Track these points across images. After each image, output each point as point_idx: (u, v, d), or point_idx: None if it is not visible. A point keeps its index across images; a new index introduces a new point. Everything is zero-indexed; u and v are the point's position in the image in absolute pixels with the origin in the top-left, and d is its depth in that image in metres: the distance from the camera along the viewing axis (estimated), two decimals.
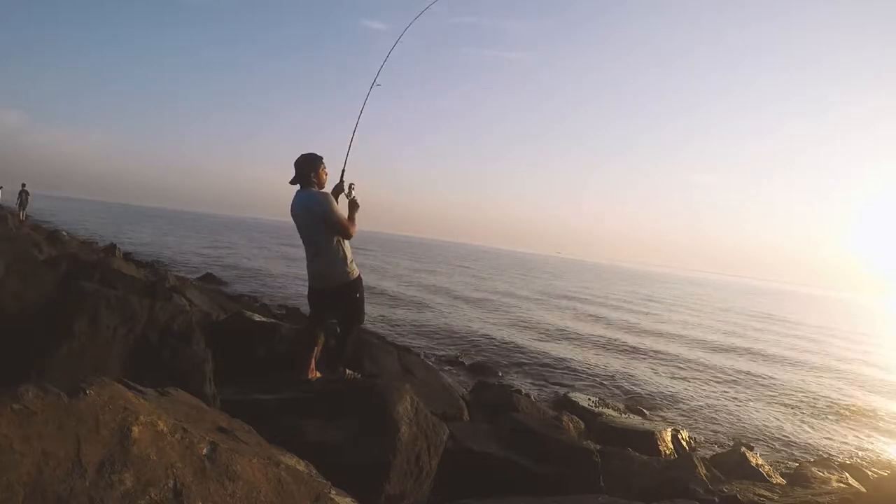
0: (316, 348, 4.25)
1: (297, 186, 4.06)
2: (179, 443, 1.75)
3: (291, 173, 4.05)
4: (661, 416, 8.71)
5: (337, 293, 4.10)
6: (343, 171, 4.28)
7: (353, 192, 4.19)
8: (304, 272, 4.27)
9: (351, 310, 4.16)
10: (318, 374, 4.19)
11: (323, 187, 4.08)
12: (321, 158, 4.07)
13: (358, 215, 4.14)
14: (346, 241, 4.06)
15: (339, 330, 4.35)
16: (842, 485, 5.20)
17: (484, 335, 14.12)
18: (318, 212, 3.93)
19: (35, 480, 1.43)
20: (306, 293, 4.30)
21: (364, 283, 4.23)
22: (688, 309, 33.25)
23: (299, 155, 4.05)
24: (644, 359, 13.68)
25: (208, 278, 17.60)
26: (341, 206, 4.10)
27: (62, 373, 3.03)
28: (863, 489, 4.24)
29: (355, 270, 4.09)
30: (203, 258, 26.76)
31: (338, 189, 4.19)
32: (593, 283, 52.64)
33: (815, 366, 16.28)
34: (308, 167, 4.01)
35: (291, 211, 4.09)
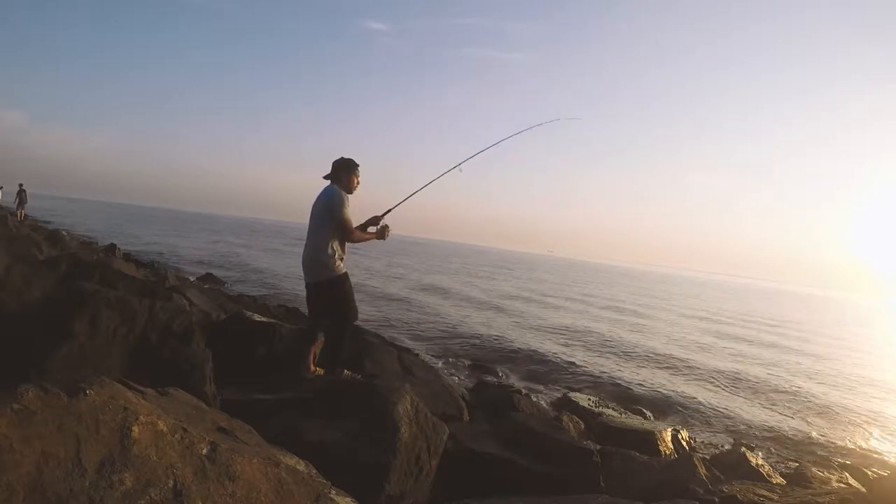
0: (316, 343, 4.28)
1: (328, 182, 4.31)
2: (179, 443, 1.75)
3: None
4: (661, 416, 8.71)
5: (321, 288, 4.20)
6: (389, 211, 4.59)
7: (383, 228, 4.48)
8: (303, 273, 4.35)
9: (339, 307, 4.24)
10: (320, 371, 4.21)
11: (349, 192, 4.28)
12: (358, 166, 4.34)
13: (367, 236, 4.39)
14: (340, 240, 4.19)
15: (333, 328, 4.38)
16: (842, 485, 5.20)
17: (483, 335, 14.11)
18: (328, 203, 4.15)
19: (35, 480, 1.43)
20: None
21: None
22: (687, 309, 33.24)
23: (339, 157, 4.33)
24: (644, 359, 13.68)
25: (208, 278, 17.58)
26: (362, 219, 4.42)
27: (62, 373, 3.03)
28: (863, 489, 4.24)
29: (341, 268, 4.20)
30: (203, 258, 26.75)
31: (375, 219, 4.49)
32: (590, 282, 52.64)
33: (815, 366, 16.27)
34: (343, 168, 4.28)
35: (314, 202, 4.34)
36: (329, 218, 4.13)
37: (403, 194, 4.78)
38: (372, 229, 4.48)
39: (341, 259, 4.20)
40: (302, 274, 4.38)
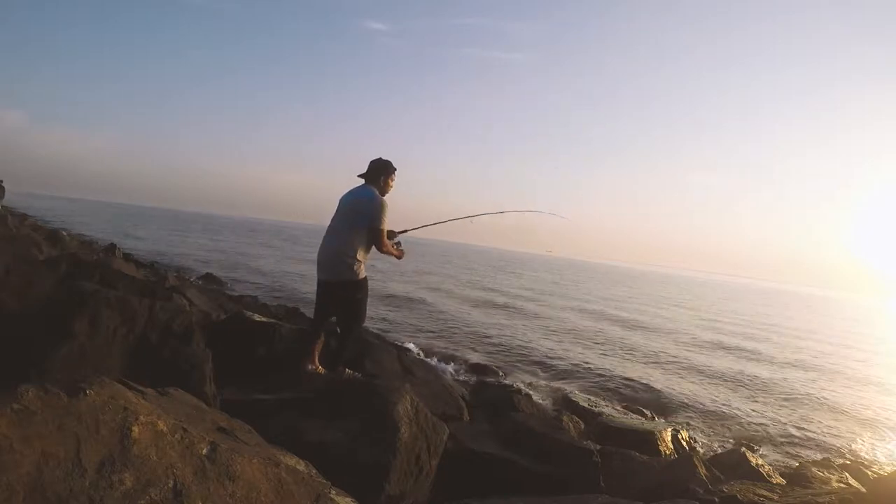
0: (317, 343, 4.27)
1: (362, 181, 4.26)
2: (179, 443, 1.75)
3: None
4: (661, 416, 8.71)
5: (339, 289, 4.15)
6: (405, 231, 4.67)
7: (402, 250, 4.51)
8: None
9: (352, 309, 4.21)
10: (322, 369, 4.21)
11: (384, 194, 4.23)
12: (396, 170, 4.29)
13: (392, 252, 4.38)
14: (367, 245, 4.14)
15: (339, 329, 4.37)
16: (842, 485, 5.19)
17: (483, 334, 14.12)
18: (368, 209, 4.08)
19: (35, 480, 1.43)
20: (310, 292, 4.38)
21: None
22: (688, 309, 33.24)
23: (378, 157, 4.28)
24: (644, 359, 13.69)
25: (208, 278, 17.59)
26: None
27: (62, 373, 3.03)
28: (863, 489, 4.23)
29: (363, 272, 4.16)
30: (203, 258, 26.74)
31: (392, 234, 4.45)
32: (589, 282, 52.63)
33: (815, 367, 16.28)
34: (382, 170, 4.22)
35: (343, 196, 4.27)
36: (364, 222, 4.06)
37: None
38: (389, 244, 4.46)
39: (364, 263, 4.17)
40: (315, 271, 4.28)
